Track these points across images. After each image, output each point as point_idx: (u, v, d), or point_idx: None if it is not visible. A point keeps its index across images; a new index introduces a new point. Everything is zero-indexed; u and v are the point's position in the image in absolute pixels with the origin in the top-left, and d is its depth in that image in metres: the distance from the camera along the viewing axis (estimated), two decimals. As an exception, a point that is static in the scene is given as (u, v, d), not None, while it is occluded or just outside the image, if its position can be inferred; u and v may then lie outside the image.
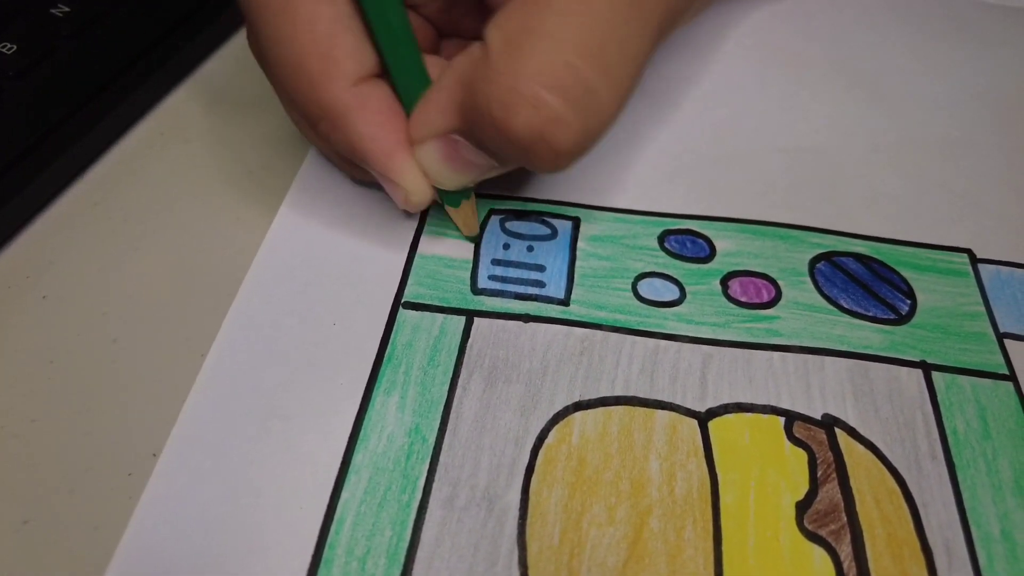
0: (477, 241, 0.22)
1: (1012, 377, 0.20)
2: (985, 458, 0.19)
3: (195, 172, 0.24)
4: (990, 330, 0.21)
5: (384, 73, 0.18)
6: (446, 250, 0.22)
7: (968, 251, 0.23)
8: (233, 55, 0.28)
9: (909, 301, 0.21)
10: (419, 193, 0.19)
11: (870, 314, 0.21)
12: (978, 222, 0.23)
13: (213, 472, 0.17)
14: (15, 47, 0.24)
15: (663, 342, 0.20)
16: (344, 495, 0.17)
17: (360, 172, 0.21)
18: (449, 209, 0.21)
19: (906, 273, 0.22)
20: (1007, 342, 0.21)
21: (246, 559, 0.16)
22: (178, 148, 0.24)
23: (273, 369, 0.19)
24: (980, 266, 0.22)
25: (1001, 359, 0.20)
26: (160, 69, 0.25)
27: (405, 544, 0.16)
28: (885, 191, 0.24)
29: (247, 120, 0.25)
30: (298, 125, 0.21)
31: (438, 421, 0.18)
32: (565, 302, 0.21)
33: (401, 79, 0.18)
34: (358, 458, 0.17)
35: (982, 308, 0.21)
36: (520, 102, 0.15)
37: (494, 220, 0.22)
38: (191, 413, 0.18)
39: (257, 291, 0.20)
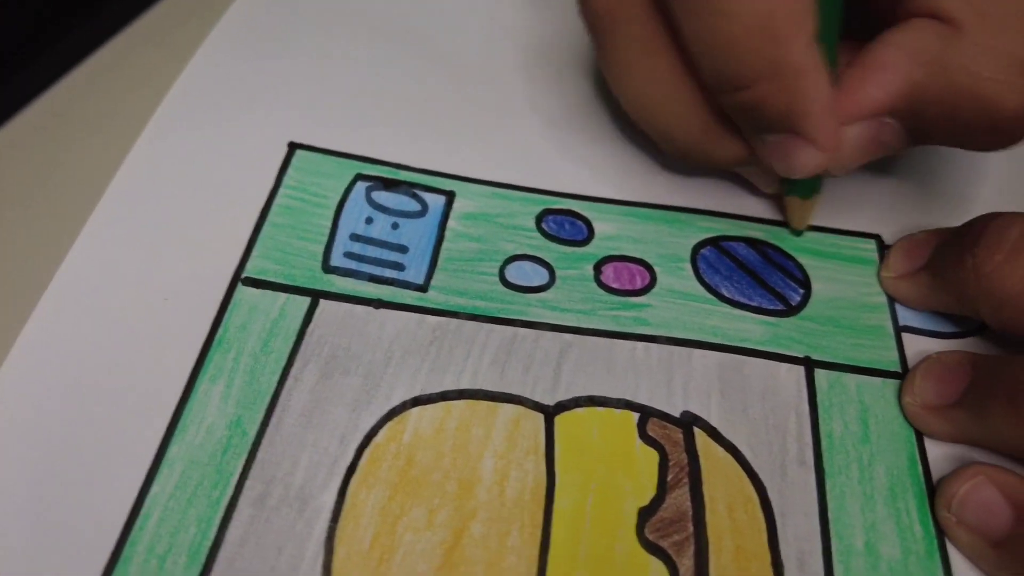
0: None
1: (903, 375, 0.18)
2: (860, 464, 0.17)
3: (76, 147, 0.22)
4: (889, 323, 0.19)
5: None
6: (300, 219, 0.20)
7: (876, 236, 0.21)
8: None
9: (802, 291, 0.20)
10: (830, 160, 0.18)
11: (754, 304, 0.19)
12: (886, 206, 0.21)
13: (20, 459, 0.16)
14: None
15: (522, 330, 0.18)
16: (154, 489, 0.16)
17: (715, 144, 0.19)
18: (790, 199, 0.20)
19: (805, 260, 0.20)
20: (904, 336, 0.19)
21: (45, 555, 0.15)
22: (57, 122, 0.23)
23: (95, 348, 0.18)
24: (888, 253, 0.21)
25: (895, 355, 0.19)
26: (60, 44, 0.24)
27: (208, 543, 0.15)
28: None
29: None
30: (639, 99, 0.19)
31: (262, 414, 0.17)
32: (423, 288, 0.19)
33: (829, 43, 0.17)
34: (173, 450, 0.16)
35: (884, 299, 0.20)
36: (1014, 77, 0.15)
37: (360, 187, 0.21)
38: (1, 391, 0.17)
39: (88, 256, 0.19)
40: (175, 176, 0.21)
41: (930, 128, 0.17)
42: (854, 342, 0.19)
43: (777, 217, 0.21)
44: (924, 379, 0.18)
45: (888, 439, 0.17)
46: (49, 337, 0.18)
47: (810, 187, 0.20)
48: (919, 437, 0.18)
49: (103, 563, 0.15)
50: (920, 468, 0.17)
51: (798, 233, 0.21)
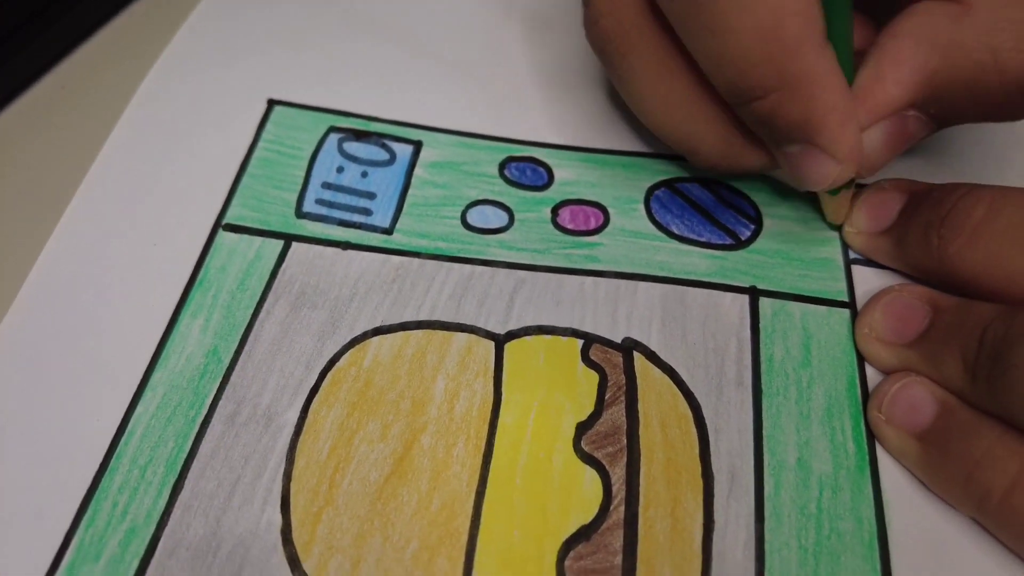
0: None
1: (851, 304, 0.19)
2: (799, 386, 0.18)
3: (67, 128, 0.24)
4: (839, 256, 0.20)
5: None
6: (276, 170, 0.21)
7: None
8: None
9: (753, 227, 0.20)
10: (853, 170, 0.17)
11: (703, 239, 0.20)
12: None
13: (21, 387, 0.18)
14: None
15: (479, 268, 0.20)
16: (139, 409, 0.18)
17: (738, 156, 0.19)
18: (822, 194, 0.20)
19: (759, 198, 0.21)
20: (855, 268, 0.20)
21: (37, 468, 0.17)
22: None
23: (90, 288, 0.19)
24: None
25: (844, 286, 0.19)
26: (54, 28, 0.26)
27: (184, 455, 0.17)
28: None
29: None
30: (661, 120, 0.19)
31: (236, 343, 0.18)
32: (389, 231, 0.20)
33: (841, 47, 0.17)
34: (156, 376, 0.18)
35: (835, 234, 0.20)
36: None
37: (332, 139, 0.22)
38: (3, 330, 0.19)
39: (86, 208, 0.21)
40: (164, 134, 0.22)
41: (955, 110, 0.17)
42: (802, 273, 0.19)
43: (733, 158, 0.22)
44: (884, 314, 0.18)
45: (829, 364, 0.18)
46: (53, 275, 0.20)
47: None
48: (860, 362, 0.18)
49: (92, 472, 0.17)
50: (859, 391, 0.18)
51: (836, 228, 0.20)
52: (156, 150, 0.22)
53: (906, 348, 0.17)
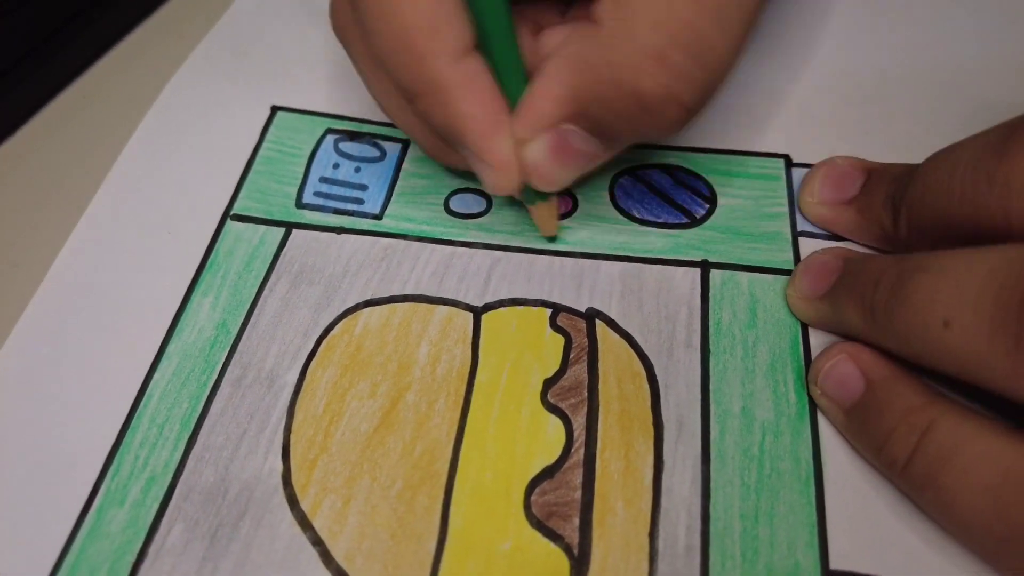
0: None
1: (796, 272, 0.21)
2: (744, 345, 0.20)
3: (101, 134, 0.27)
4: (787, 229, 0.22)
5: (479, 47, 0.18)
6: (279, 167, 0.24)
7: (785, 156, 0.23)
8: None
9: (708, 206, 0.22)
10: (509, 178, 0.18)
11: (660, 220, 0.22)
12: (797, 127, 0.24)
13: (53, 356, 0.20)
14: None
15: (460, 248, 0.22)
16: (156, 376, 0.20)
17: (449, 157, 0.21)
18: (529, 207, 0.21)
19: (714, 179, 0.23)
20: (801, 240, 0.22)
21: (68, 426, 0.19)
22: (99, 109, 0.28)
23: (112, 271, 0.22)
24: (794, 170, 0.23)
25: (791, 256, 0.21)
26: (79, 40, 0.29)
27: (196, 414, 0.19)
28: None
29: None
30: (385, 107, 0.21)
31: (243, 317, 0.21)
32: (379, 216, 0.23)
33: (501, 60, 0.18)
34: (171, 347, 0.20)
35: (785, 209, 0.22)
36: (646, 63, 0.16)
37: (329, 139, 0.25)
38: (36, 307, 0.21)
39: (108, 201, 0.23)
40: (178, 138, 0.25)
41: (605, 126, 0.17)
42: (751, 246, 0.21)
43: (690, 144, 0.24)
44: (804, 273, 0.20)
45: (774, 324, 0.20)
46: (82, 258, 0.22)
47: (532, 195, 0.20)
48: (804, 323, 0.20)
49: (116, 430, 0.19)
50: (801, 349, 0.20)
51: (551, 239, 0.22)
52: (171, 151, 0.25)
53: (820, 300, 0.19)
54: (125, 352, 0.20)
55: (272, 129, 0.25)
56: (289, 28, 0.28)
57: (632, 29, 0.16)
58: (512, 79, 0.18)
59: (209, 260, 0.22)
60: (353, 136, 0.25)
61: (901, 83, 0.25)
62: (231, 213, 0.23)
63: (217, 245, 0.22)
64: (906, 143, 0.23)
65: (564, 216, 0.22)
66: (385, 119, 0.25)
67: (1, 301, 0.22)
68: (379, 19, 0.17)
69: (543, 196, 0.20)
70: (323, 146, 0.24)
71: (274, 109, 0.25)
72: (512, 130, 0.18)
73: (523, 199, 0.21)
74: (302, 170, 0.24)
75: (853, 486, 0.18)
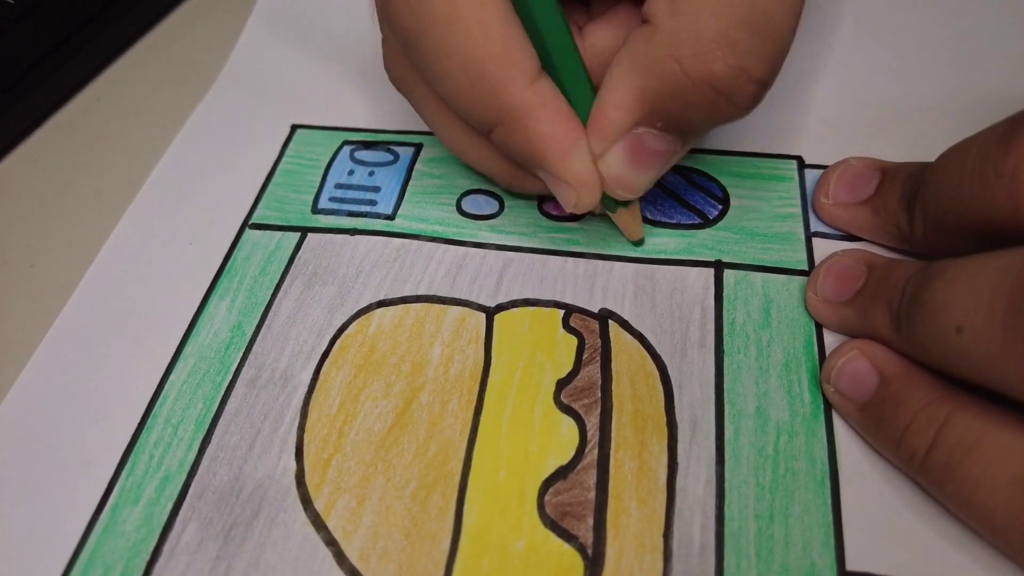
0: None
1: (810, 273, 0.21)
2: (759, 345, 0.20)
3: (113, 136, 0.27)
4: (800, 230, 0.22)
5: (544, 68, 0.18)
6: (296, 178, 0.24)
7: (798, 158, 0.23)
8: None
9: (721, 207, 0.22)
10: (591, 194, 0.19)
11: (673, 221, 0.22)
12: (809, 128, 0.24)
13: (76, 356, 0.21)
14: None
15: (472, 249, 0.22)
16: (172, 377, 0.20)
17: (525, 183, 0.21)
18: (611, 215, 0.21)
19: (727, 181, 0.23)
20: (814, 240, 0.22)
21: (83, 425, 0.19)
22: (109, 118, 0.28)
23: (135, 281, 0.22)
24: (807, 171, 0.23)
25: (804, 256, 0.21)
26: (92, 45, 0.29)
27: (211, 414, 0.19)
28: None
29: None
30: (454, 146, 0.21)
31: (258, 319, 0.21)
32: (391, 216, 0.23)
33: (569, 77, 0.18)
34: (188, 349, 0.21)
35: (798, 210, 0.22)
36: (715, 49, 0.16)
37: (345, 150, 0.25)
38: (67, 314, 0.22)
39: (138, 214, 0.24)
40: (206, 154, 0.25)
41: (680, 120, 0.18)
42: (764, 247, 0.21)
43: (703, 145, 0.24)
44: (826, 277, 0.20)
45: (788, 325, 0.20)
46: (112, 267, 0.23)
47: (614, 202, 0.20)
48: (818, 323, 0.20)
49: (131, 430, 0.19)
50: (816, 349, 0.20)
51: (637, 244, 0.22)
52: (197, 170, 0.25)
53: (844, 306, 0.19)
54: (142, 355, 0.21)
55: (291, 145, 0.25)
56: (307, 47, 0.29)
57: (694, 21, 0.16)
58: (581, 95, 0.18)
59: (226, 267, 0.22)
60: (368, 145, 0.25)
61: (913, 83, 0.25)
62: (249, 223, 0.23)
63: (235, 252, 0.22)
64: (919, 142, 0.23)
65: (576, 218, 0.22)
66: (399, 127, 0.25)
67: (19, 300, 0.23)
68: (446, 58, 0.17)
69: (624, 203, 0.20)
70: (339, 156, 0.25)
71: (293, 127, 0.26)
72: (585, 142, 0.18)
73: (604, 207, 0.21)
74: (319, 179, 0.24)
75: (869, 486, 0.17)
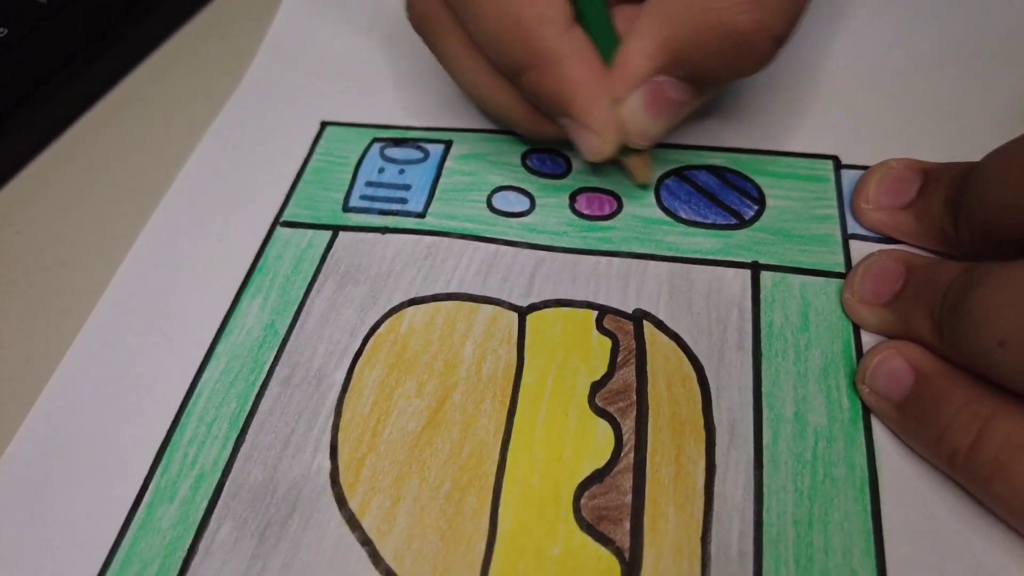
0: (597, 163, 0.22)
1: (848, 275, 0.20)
2: (796, 348, 0.19)
3: (143, 133, 0.27)
4: (837, 232, 0.21)
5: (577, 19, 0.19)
6: (327, 176, 0.24)
7: (834, 158, 0.23)
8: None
9: (756, 207, 0.22)
10: (610, 140, 0.20)
11: (709, 221, 0.22)
12: (844, 127, 0.23)
13: (109, 356, 0.21)
14: (6, 30, 0.29)
15: (503, 247, 0.22)
16: (204, 376, 0.20)
17: (544, 129, 0.21)
18: (623, 158, 0.22)
19: (762, 180, 0.23)
20: (852, 243, 0.21)
21: (119, 424, 0.19)
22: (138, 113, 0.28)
23: (166, 278, 0.22)
24: (843, 171, 0.23)
25: (841, 259, 0.21)
26: (122, 44, 0.29)
27: (245, 413, 0.19)
28: (752, 102, 0.24)
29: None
30: (474, 89, 0.22)
31: (291, 317, 0.21)
32: (422, 214, 0.23)
33: (597, 28, 0.19)
34: (220, 347, 0.21)
35: (834, 211, 0.22)
36: (741, 3, 0.17)
37: (375, 147, 0.25)
38: (99, 312, 0.22)
39: (168, 211, 0.24)
40: (235, 151, 0.25)
41: (700, 68, 0.19)
42: (801, 248, 0.21)
43: (737, 144, 0.23)
44: (864, 277, 0.19)
45: (826, 328, 0.20)
46: (143, 264, 0.23)
47: (625, 147, 0.21)
48: (856, 326, 0.20)
49: (166, 428, 0.19)
50: (854, 353, 0.19)
51: (644, 187, 0.23)
52: (226, 168, 0.25)
53: (883, 308, 0.19)
54: (176, 353, 0.21)
55: (321, 142, 0.25)
56: (334, 44, 0.28)
57: None
58: (608, 45, 0.19)
59: (258, 264, 0.22)
60: (398, 142, 0.25)
61: (950, 79, 0.24)
62: (281, 220, 0.23)
63: (266, 250, 0.22)
64: (958, 140, 0.23)
65: (608, 216, 0.22)
66: (429, 123, 0.25)
67: (51, 298, 0.23)
68: (489, 3, 0.19)
69: (636, 150, 0.21)
70: (370, 154, 0.25)
71: (323, 124, 0.26)
72: (609, 90, 0.19)
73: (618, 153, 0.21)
74: (349, 177, 0.24)
75: (911, 494, 0.17)
